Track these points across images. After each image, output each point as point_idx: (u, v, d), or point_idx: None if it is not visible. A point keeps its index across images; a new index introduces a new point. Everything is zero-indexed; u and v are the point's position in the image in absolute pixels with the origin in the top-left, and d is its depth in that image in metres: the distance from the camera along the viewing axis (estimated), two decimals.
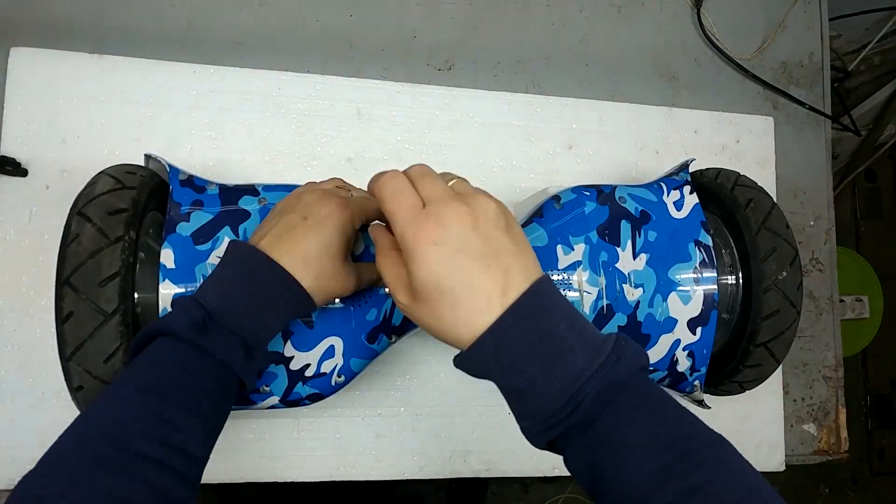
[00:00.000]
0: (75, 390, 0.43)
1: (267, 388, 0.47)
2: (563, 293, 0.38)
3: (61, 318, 0.42)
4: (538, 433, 0.35)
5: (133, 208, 0.44)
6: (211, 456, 0.59)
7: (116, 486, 0.32)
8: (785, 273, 0.52)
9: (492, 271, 0.35)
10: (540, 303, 0.35)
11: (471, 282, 0.34)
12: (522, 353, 0.34)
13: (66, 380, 0.43)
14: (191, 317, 0.38)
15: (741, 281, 0.55)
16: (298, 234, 0.41)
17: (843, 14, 1.09)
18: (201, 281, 0.45)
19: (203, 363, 0.38)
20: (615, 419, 0.34)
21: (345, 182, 0.49)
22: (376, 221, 0.46)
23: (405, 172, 0.39)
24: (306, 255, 0.41)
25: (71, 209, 0.44)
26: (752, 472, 0.33)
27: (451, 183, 0.39)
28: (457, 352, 0.37)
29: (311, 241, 0.41)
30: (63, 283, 0.42)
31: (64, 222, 0.43)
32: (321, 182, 0.48)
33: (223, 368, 0.39)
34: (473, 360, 0.36)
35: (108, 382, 0.42)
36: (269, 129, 0.63)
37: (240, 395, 0.42)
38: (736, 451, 0.34)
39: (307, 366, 0.47)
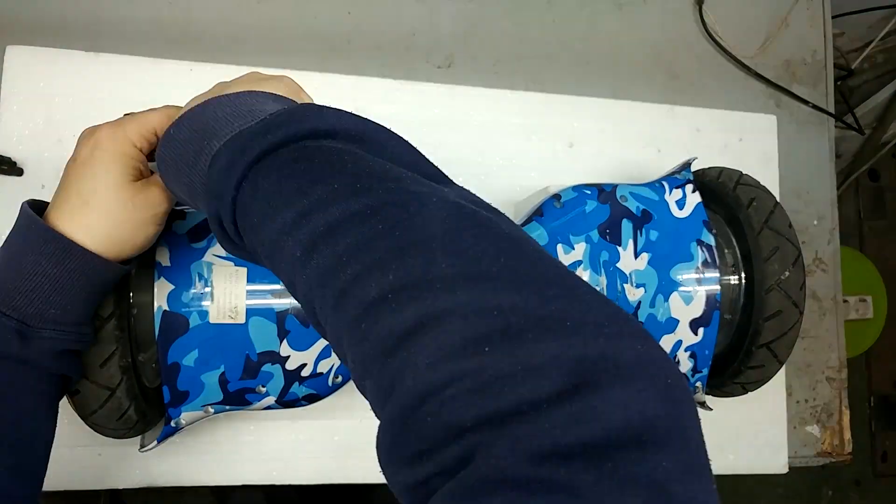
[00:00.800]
0: (71, 394, 0.42)
1: (263, 389, 0.46)
2: None
3: None
4: (211, 227, 0.31)
5: None
6: (209, 457, 0.58)
7: None
8: (788, 273, 0.52)
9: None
10: (206, 107, 0.32)
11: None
12: (182, 154, 0.32)
13: None
14: None
15: (744, 281, 0.55)
16: (72, 180, 0.37)
17: (846, 12, 1.09)
18: (197, 280, 0.45)
19: None
20: (251, 193, 0.28)
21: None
22: None
23: None
24: (85, 198, 0.36)
25: None
26: (437, 219, 0.24)
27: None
28: None
29: (84, 184, 0.37)
30: None
31: None
32: None
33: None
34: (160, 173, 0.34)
35: (104, 386, 0.42)
36: None
37: (70, 383, 0.39)
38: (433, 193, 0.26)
39: (303, 365, 0.46)
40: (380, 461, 0.21)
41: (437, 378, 0.19)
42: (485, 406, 0.18)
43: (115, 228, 0.37)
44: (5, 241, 0.37)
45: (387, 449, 0.21)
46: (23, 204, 0.37)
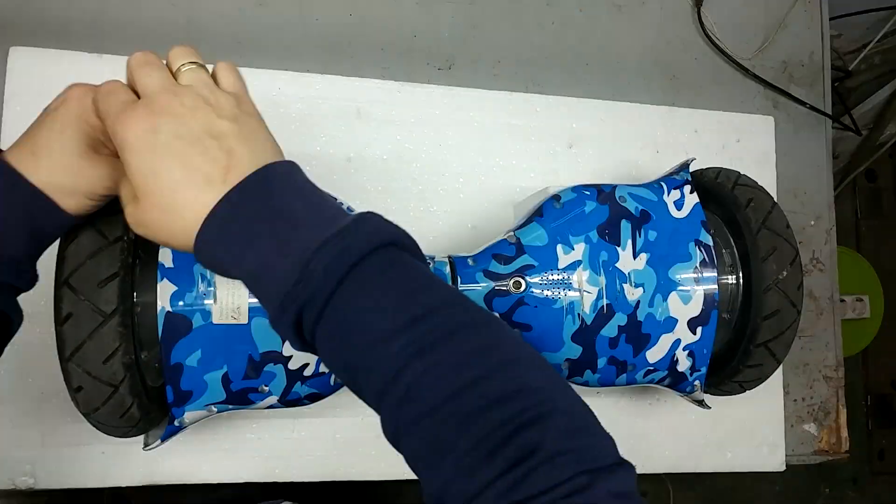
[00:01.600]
0: (75, 391, 0.43)
1: (266, 388, 0.47)
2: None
3: (60, 319, 0.41)
4: (277, 318, 0.33)
5: None
6: (211, 455, 0.59)
7: None
8: (785, 273, 0.52)
9: (211, 153, 0.33)
10: (271, 182, 0.34)
11: (188, 164, 0.33)
12: (251, 233, 0.32)
13: (65, 380, 0.43)
14: None
15: (741, 281, 0.55)
16: (33, 128, 0.38)
17: (843, 13, 1.09)
18: (200, 281, 0.45)
19: None
20: (353, 293, 0.32)
21: None
22: None
23: (128, 62, 0.37)
24: (34, 147, 0.37)
25: None
26: (512, 344, 0.32)
27: (184, 69, 0.37)
28: None
29: (41, 132, 0.37)
30: (62, 283, 0.41)
31: None
32: None
33: None
34: (203, 248, 0.33)
35: (107, 383, 0.42)
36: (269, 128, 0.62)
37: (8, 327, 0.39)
38: (502, 324, 0.33)
39: (306, 365, 0.47)
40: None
41: (568, 445, 0.28)
42: (583, 466, 0.28)
43: (50, 183, 0.38)
44: None
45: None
46: None
